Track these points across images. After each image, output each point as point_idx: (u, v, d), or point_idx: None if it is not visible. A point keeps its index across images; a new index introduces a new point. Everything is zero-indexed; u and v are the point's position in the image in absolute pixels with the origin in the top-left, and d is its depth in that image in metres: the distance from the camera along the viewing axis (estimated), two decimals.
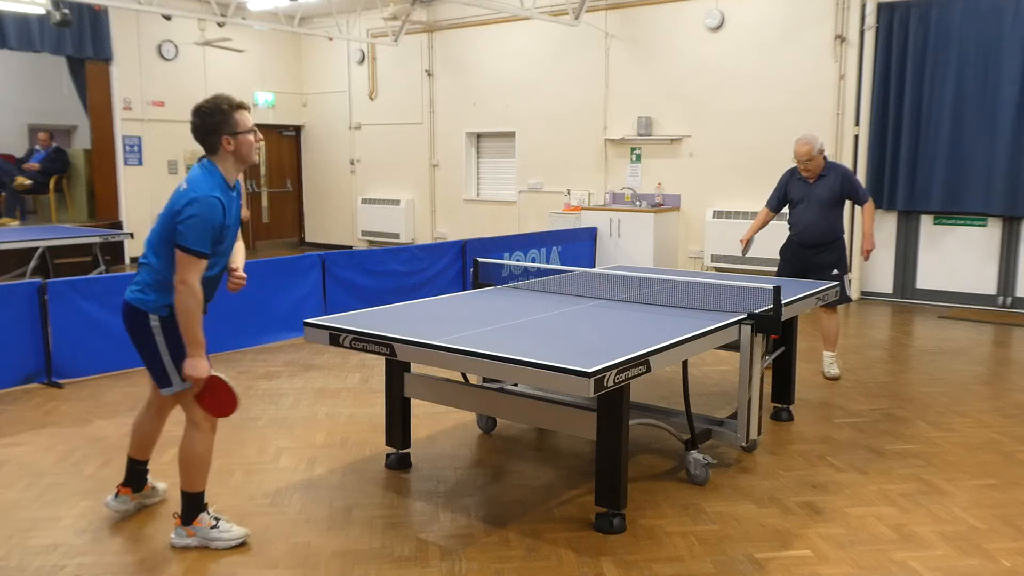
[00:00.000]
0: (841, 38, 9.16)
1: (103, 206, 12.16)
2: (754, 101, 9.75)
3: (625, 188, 10.82)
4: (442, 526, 3.58)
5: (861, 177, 9.07)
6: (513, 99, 11.86)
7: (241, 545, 3.37)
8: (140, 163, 12.37)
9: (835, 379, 5.97)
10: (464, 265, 8.54)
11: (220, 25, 10.67)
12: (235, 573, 3.18)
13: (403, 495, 3.92)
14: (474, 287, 4.99)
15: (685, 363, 3.98)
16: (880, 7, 8.92)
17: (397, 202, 13.25)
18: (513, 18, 11.29)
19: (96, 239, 9.34)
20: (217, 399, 3.29)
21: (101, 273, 9.20)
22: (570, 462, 4.34)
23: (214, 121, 3.27)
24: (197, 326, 3.21)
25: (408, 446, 4.28)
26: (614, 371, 3.08)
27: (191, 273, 3.15)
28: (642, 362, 3.26)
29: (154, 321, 3.28)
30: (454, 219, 12.83)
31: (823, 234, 5.82)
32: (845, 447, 4.57)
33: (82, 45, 11.50)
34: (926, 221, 9.01)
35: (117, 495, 3.67)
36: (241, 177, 3.55)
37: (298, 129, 14.63)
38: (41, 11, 9.70)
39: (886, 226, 9.20)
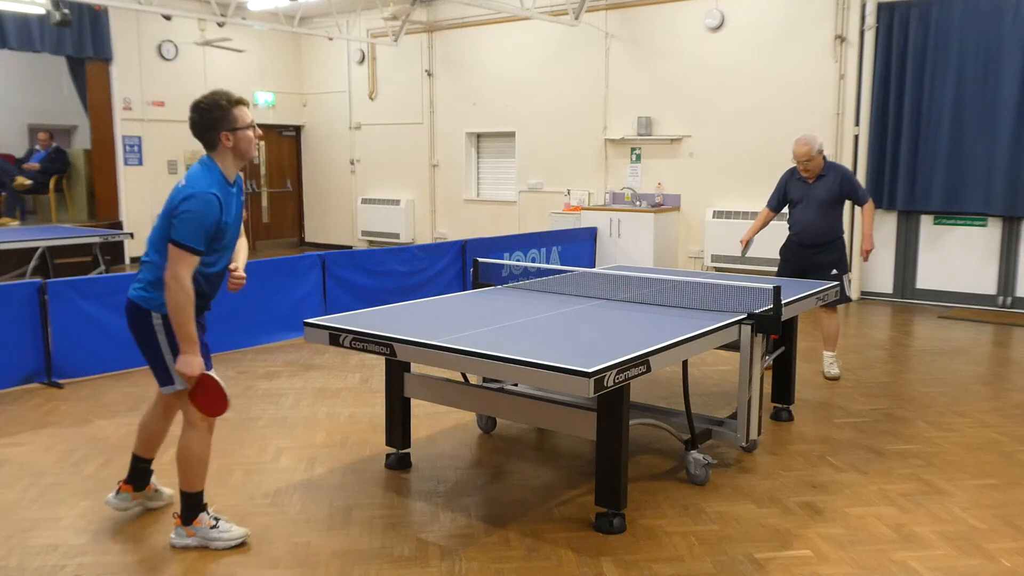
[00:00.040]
0: (841, 38, 9.16)
1: (103, 206, 12.16)
2: (754, 101, 9.75)
3: (625, 188, 10.83)
4: (442, 526, 3.58)
5: (861, 177, 9.07)
6: (513, 99, 11.86)
7: (241, 545, 3.37)
8: (140, 163, 12.37)
9: (835, 379, 5.97)
10: (464, 265, 8.54)
11: (220, 25, 10.67)
12: (235, 573, 3.18)
13: (403, 495, 3.92)
14: (474, 287, 4.99)
15: (685, 363, 3.98)
16: (880, 7, 8.92)
17: (397, 202, 13.25)
18: (513, 18, 11.30)
19: (96, 239, 9.34)
20: (208, 398, 3.27)
21: (101, 273, 9.20)
22: (570, 462, 4.34)
23: (212, 117, 3.25)
24: (190, 322, 3.17)
25: (408, 446, 4.28)
26: (614, 371, 3.08)
27: (182, 268, 3.12)
28: (642, 362, 3.26)
29: (156, 319, 3.26)
30: (454, 219, 12.84)
31: (822, 234, 5.82)
32: (845, 447, 4.57)
33: (82, 45, 11.50)
34: (926, 221, 9.01)
35: (118, 492, 3.65)
36: (242, 174, 3.54)
37: (298, 129, 14.64)
38: (41, 11, 9.70)
39: (886, 226, 9.20)
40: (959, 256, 8.82)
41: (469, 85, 12.33)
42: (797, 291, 4.79)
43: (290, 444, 4.62)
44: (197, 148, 3.33)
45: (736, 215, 9.85)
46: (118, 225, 11.80)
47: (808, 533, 3.52)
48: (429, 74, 12.75)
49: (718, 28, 9.94)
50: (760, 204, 6.29)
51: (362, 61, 13.50)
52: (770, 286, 4.24)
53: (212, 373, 3.27)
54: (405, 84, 13.03)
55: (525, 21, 11.22)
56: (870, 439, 4.70)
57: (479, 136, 12.61)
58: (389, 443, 4.27)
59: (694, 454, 4.04)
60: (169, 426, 3.65)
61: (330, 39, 12.67)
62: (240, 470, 4.22)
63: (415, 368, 4.20)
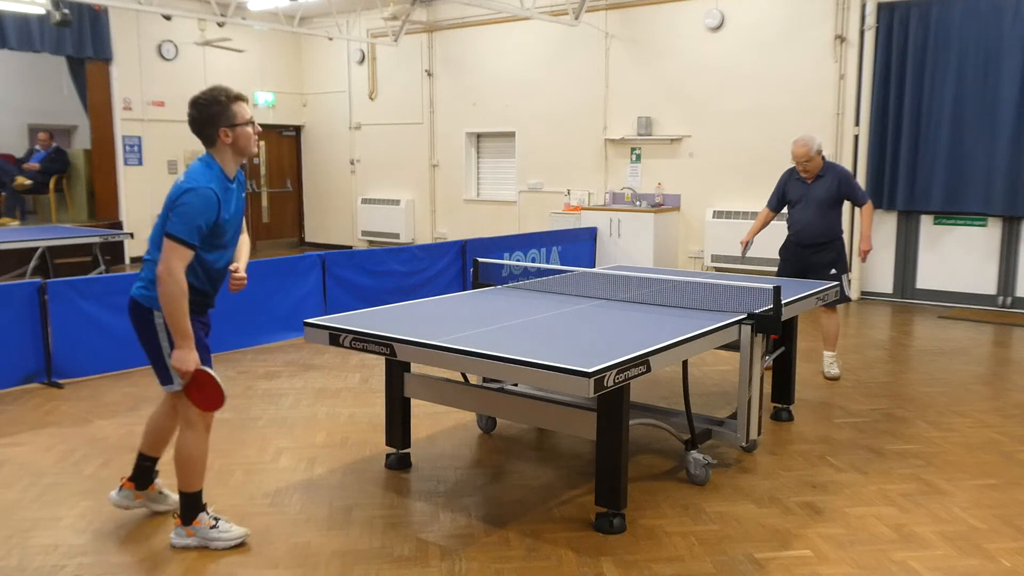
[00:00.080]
0: (841, 38, 9.16)
1: (103, 206, 12.16)
2: (754, 101, 9.75)
3: (625, 188, 10.83)
4: (442, 526, 3.58)
5: (861, 177, 9.07)
6: (513, 99, 11.86)
7: (241, 545, 3.37)
8: (140, 163, 12.37)
9: (835, 379, 5.97)
10: (464, 265, 8.54)
11: (220, 25, 10.67)
12: (235, 573, 3.18)
13: (403, 495, 3.92)
14: (474, 287, 4.99)
15: (685, 363, 3.98)
16: (880, 7, 8.92)
17: (397, 202, 13.26)
18: (513, 18, 11.30)
19: (96, 239, 9.34)
20: (204, 394, 3.24)
21: (101, 273, 9.20)
22: (570, 462, 4.34)
23: (211, 112, 3.23)
24: (184, 317, 3.13)
25: (408, 446, 4.28)
26: (614, 371, 3.08)
27: (175, 261, 3.09)
28: (642, 362, 3.26)
29: (158, 318, 3.22)
30: (454, 219, 12.84)
31: (820, 234, 5.83)
32: (845, 447, 4.57)
33: (82, 45, 11.51)
34: (926, 221, 9.01)
35: (121, 488, 3.63)
36: (244, 169, 3.52)
37: (298, 129, 14.64)
38: (41, 11, 9.71)
39: (886, 226, 9.21)
40: (959, 256, 8.83)
41: (469, 85, 12.33)
42: (797, 291, 4.79)
43: (290, 444, 4.62)
44: (197, 148, 3.32)
45: (736, 215, 9.85)
46: (118, 225, 11.80)
47: (808, 533, 3.52)
48: (429, 74, 12.75)
49: (718, 28, 9.94)
50: (760, 204, 6.30)
51: (362, 61, 13.50)
52: (770, 286, 4.24)
53: (207, 368, 3.25)
54: (405, 84, 13.03)
55: (525, 21, 11.22)
56: (870, 439, 4.70)
57: (479, 136, 12.61)
58: (389, 443, 4.27)
59: (694, 454, 4.04)
60: (176, 425, 3.62)
61: (330, 39, 12.68)
62: (240, 470, 4.22)
63: (415, 368, 4.20)
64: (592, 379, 2.97)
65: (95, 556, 3.31)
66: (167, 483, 3.77)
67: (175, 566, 3.22)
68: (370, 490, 3.97)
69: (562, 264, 9.59)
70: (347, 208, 14.10)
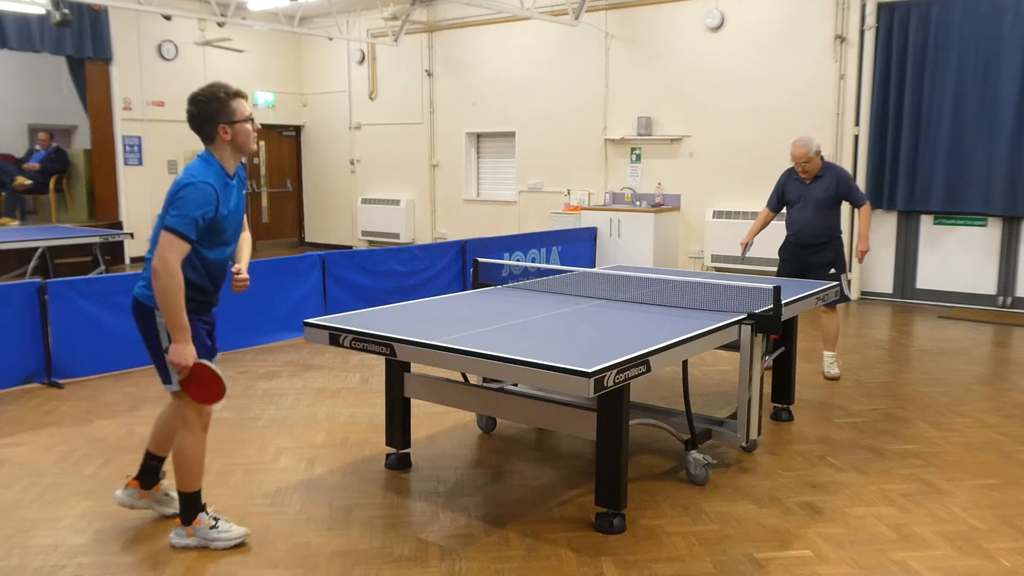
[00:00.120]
0: (841, 38, 9.16)
1: (103, 206, 12.16)
2: (754, 101, 9.75)
3: (625, 188, 10.83)
4: (442, 526, 3.58)
5: (861, 177, 9.07)
6: (513, 99, 11.86)
7: (240, 545, 3.37)
8: (140, 163, 12.37)
9: (835, 379, 5.97)
10: (464, 265, 8.54)
11: (220, 25, 10.67)
12: (235, 573, 3.18)
13: (403, 495, 3.92)
14: (474, 287, 4.99)
15: (685, 363, 3.98)
16: (880, 7, 8.92)
17: (397, 202, 13.25)
18: (513, 18, 11.30)
19: (96, 239, 9.34)
20: (204, 387, 3.21)
21: (101, 273, 9.20)
22: (570, 462, 4.34)
23: (210, 109, 3.21)
24: (180, 311, 3.10)
25: (408, 446, 4.28)
26: (614, 371, 3.08)
27: (171, 253, 3.05)
28: (642, 362, 3.26)
29: (160, 317, 3.20)
30: (454, 219, 12.84)
31: (818, 234, 5.83)
32: (845, 447, 4.57)
33: (82, 45, 11.51)
34: (926, 221, 9.01)
35: (126, 487, 3.61)
36: (244, 165, 3.51)
37: (298, 129, 14.64)
38: (41, 11, 9.71)
39: (886, 226, 9.21)
40: (959, 256, 8.83)
41: (469, 85, 12.33)
42: (797, 291, 4.79)
43: (290, 444, 4.62)
44: (197, 148, 3.31)
45: (736, 215, 9.85)
46: (118, 225, 11.80)
47: (808, 533, 3.52)
48: (429, 74, 12.75)
49: (718, 28, 9.94)
50: (760, 204, 6.30)
51: (362, 61, 13.50)
52: (770, 286, 4.24)
53: (205, 361, 3.21)
54: (405, 84, 13.03)
55: (525, 21, 11.22)
56: (870, 439, 4.70)
57: (479, 136, 12.61)
58: (389, 443, 4.27)
59: (694, 454, 4.04)
60: (177, 424, 3.61)
61: (330, 39, 12.68)
62: (240, 470, 4.22)
63: (415, 368, 4.20)
64: (592, 379, 2.96)
65: (95, 556, 3.30)
66: (173, 485, 3.78)
67: (175, 566, 3.22)
68: (370, 490, 3.97)
69: (562, 264, 9.59)
70: (347, 208, 14.11)
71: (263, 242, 14.22)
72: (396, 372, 4.19)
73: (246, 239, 3.55)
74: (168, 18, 10.74)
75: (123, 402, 5.39)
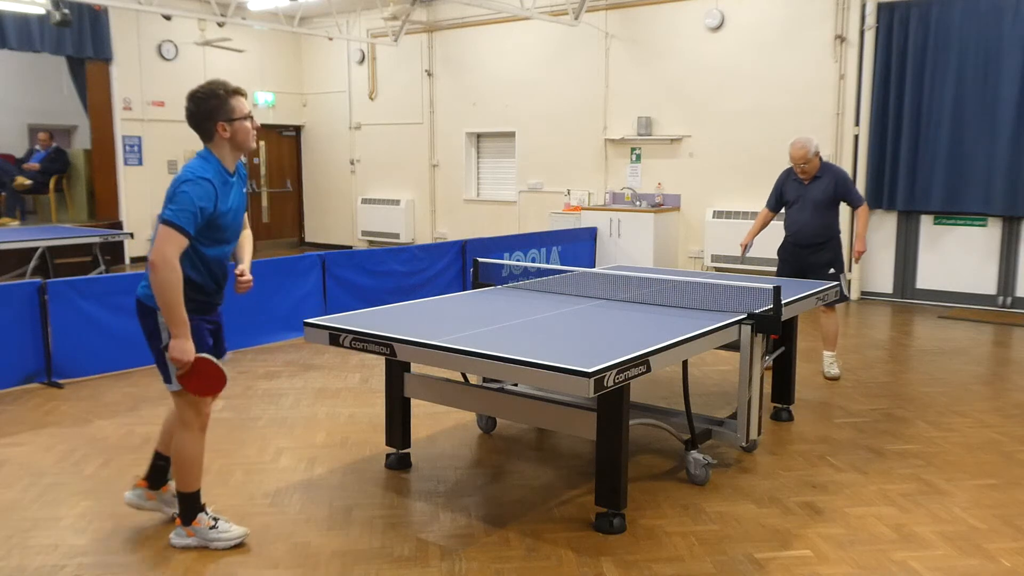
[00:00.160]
0: (841, 38, 9.16)
1: (103, 206, 12.16)
2: (754, 101, 9.75)
3: (625, 188, 10.83)
4: (442, 526, 3.58)
5: (861, 177, 9.08)
6: (513, 99, 11.86)
7: (240, 545, 3.36)
8: (140, 163, 12.37)
9: (835, 379, 5.97)
10: (464, 265, 8.54)
11: (220, 25, 10.67)
12: (235, 573, 3.18)
13: (403, 495, 3.92)
14: (474, 287, 4.99)
15: (685, 363, 3.98)
16: (880, 7, 8.92)
17: (397, 202, 13.25)
18: (513, 18, 11.30)
19: (96, 239, 9.34)
20: (204, 380, 3.18)
21: (101, 273, 9.20)
22: (570, 462, 4.34)
23: (209, 107, 3.19)
24: (179, 306, 3.05)
25: (408, 446, 4.28)
26: (614, 371, 3.08)
27: (169, 247, 3.01)
28: (642, 362, 3.26)
29: (162, 317, 3.16)
30: (454, 219, 12.84)
31: (817, 234, 5.84)
32: (845, 447, 4.57)
33: (82, 45, 11.51)
34: (926, 221, 9.01)
35: (134, 487, 3.59)
36: (244, 162, 3.49)
37: (298, 129, 14.64)
38: (41, 11, 9.71)
39: (886, 226, 9.21)
40: (959, 256, 8.82)
41: (469, 85, 12.33)
42: (797, 291, 4.79)
43: (290, 444, 4.62)
44: (197, 148, 3.30)
45: (736, 215, 9.85)
46: (118, 225, 11.80)
47: (808, 533, 3.52)
48: (429, 74, 12.75)
49: (718, 28, 9.94)
50: (760, 204, 6.30)
51: (362, 61, 13.50)
52: (770, 286, 4.24)
53: (203, 355, 3.18)
54: (405, 84, 13.03)
55: (525, 21, 11.22)
56: (870, 439, 4.70)
57: (479, 136, 12.61)
58: (389, 443, 4.27)
59: (694, 454, 4.04)
60: None
61: (330, 39, 12.68)
62: (240, 470, 4.22)
63: (415, 368, 4.20)
64: (592, 379, 2.96)
65: (95, 556, 3.30)
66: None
67: (175, 566, 3.22)
68: (370, 490, 3.97)
69: (562, 264, 9.59)
70: (347, 208, 14.10)
71: (263, 242, 14.22)
72: (396, 372, 4.19)
73: (247, 237, 3.53)
74: (168, 18, 10.74)
75: (123, 402, 5.39)
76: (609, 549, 3.36)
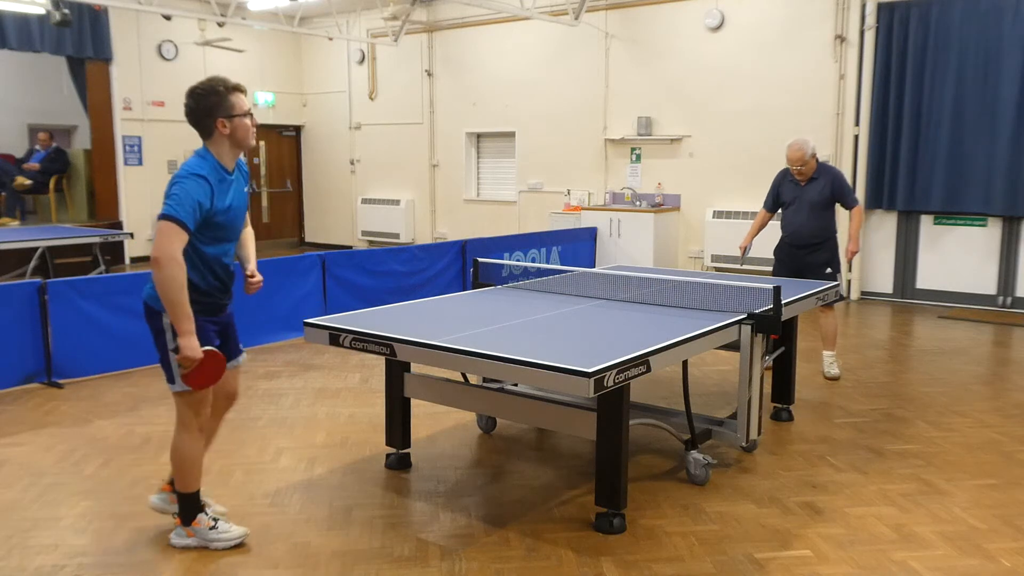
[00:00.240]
0: (841, 38, 9.16)
1: (103, 206, 12.16)
2: (754, 101, 9.75)
3: (625, 188, 10.82)
4: (442, 526, 3.58)
5: (861, 177, 9.08)
6: (513, 99, 11.86)
7: (240, 545, 3.36)
8: (140, 163, 12.37)
9: (835, 379, 5.97)
10: (464, 265, 8.54)
11: (220, 25, 10.67)
12: (235, 573, 3.18)
13: (403, 495, 3.92)
14: (474, 287, 4.99)
15: (685, 363, 3.98)
16: (880, 7, 8.92)
17: (397, 202, 13.25)
18: (513, 18, 11.30)
19: (96, 239, 9.34)
20: (206, 372, 3.14)
21: (101, 273, 9.20)
22: (570, 462, 4.34)
23: (209, 103, 3.18)
24: (185, 303, 3.00)
25: (408, 446, 4.28)
26: (614, 371, 3.08)
27: (169, 241, 2.96)
28: (642, 362, 3.26)
29: (166, 319, 3.13)
30: (454, 219, 12.84)
31: (813, 235, 5.85)
32: (845, 447, 4.57)
33: (82, 45, 11.51)
34: (926, 221, 9.01)
35: (160, 491, 3.56)
36: (244, 159, 3.46)
37: (298, 129, 14.64)
38: (41, 11, 9.71)
39: (886, 226, 9.21)
40: (959, 256, 8.82)
41: (469, 85, 12.33)
42: (797, 291, 4.79)
43: (290, 444, 4.62)
44: (197, 147, 3.29)
45: (736, 215, 9.84)
46: (118, 225, 11.80)
47: (808, 533, 3.52)
48: (429, 74, 12.75)
49: (718, 28, 9.94)
50: (760, 204, 6.30)
51: (362, 61, 13.50)
52: (770, 286, 4.24)
53: (208, 347, 3.14)
54: (405, 84, 13.03)
55: (525, 21, 11.22)
56: (870, 439, 4.70)
57: (479, 136, 12.61)
58: (389, 443, 4.27)
59: (694, 454, 4.04)
60: (217, 426, 3.56)
61: (330, 39, 12.68)
62: (240, 470, 4.22)
63: (415, 368, 4.20)
64: (592, 379, 2.96)
65: (95, 556, 3.30)
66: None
67: (175, 566, 3.22)
68: (370, 490, 3.97)
69: (562, 264, 9.59)
70: (347, 208, 14.10)
71: (263, 242, 14.21)
72: (396, 372, 4.19)
73: (249, 235, 3.51)
74: (168, 18, 10.74)
75: (123, 402, 5.39)
76: (609, 549, 3.36)
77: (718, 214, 10.01)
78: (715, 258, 9.99)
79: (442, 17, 12.41)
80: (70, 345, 5.83)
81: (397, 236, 13.12)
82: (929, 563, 3.25)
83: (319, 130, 14.38)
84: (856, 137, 9.18)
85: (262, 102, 13.72)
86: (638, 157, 10.78)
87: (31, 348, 5.68)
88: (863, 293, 9.38)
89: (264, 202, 14.30)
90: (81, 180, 12.35)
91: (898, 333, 7.70)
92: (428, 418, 4.97)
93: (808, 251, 5.87)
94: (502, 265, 8.85)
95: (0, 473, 4.17)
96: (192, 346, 3.06)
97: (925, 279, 9.07)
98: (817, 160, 5.87)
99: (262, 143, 14.03)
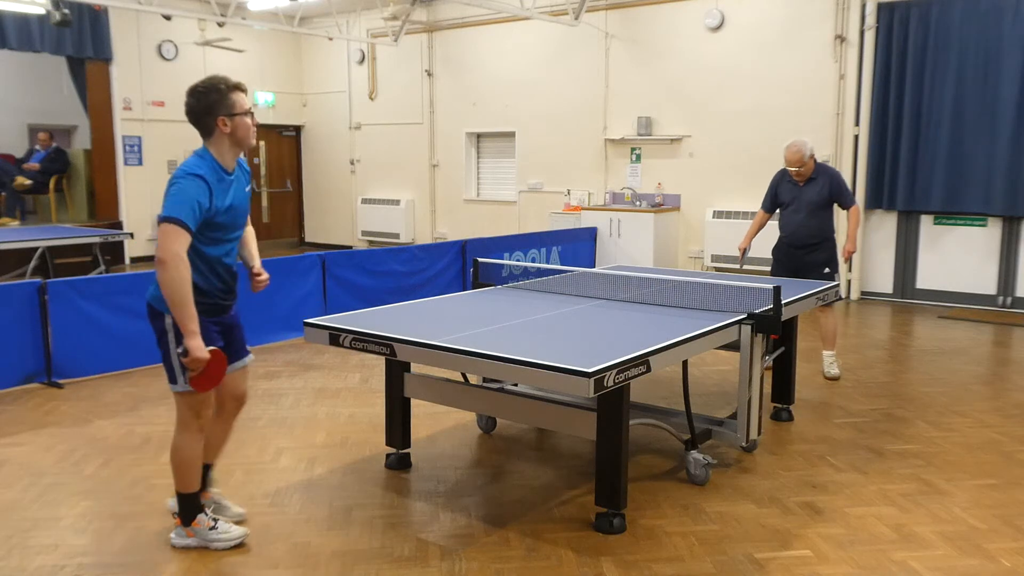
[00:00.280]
0: (841, 38, 9.16)
1: (103, 206, 12.16)
2: (754, 101, 9.74)
3: (625, 188, 10.82)
4: (442, 526, 3.58)
5: (861, 178, 9.08)
6: (513, 99, 11.86)
7: (240, 545, 3.36)
8: (140, 163, 12.37)
9: (835, 379, 5.97)
10: (464, 265, 8.54)
11: (220, 25, 10.67)
12: (235, 573, 3.18)
13: (403, 495, 3.92)
14: (474, 287, 4.99)
15: (685, 363, 3.98)
16: (880, 7, 8.92)
17: (397, 202, 13.25)
18: (513, 18, 11.30)
19: (96, 239, 9.34)
20: (209, 374, 3.13)
21: (101, 273, 9.20)
22: (570, 462, 4.34)
23: (209, 101, 3.16)
24: (190, 303, 2.98)
25: (408, 446, 4.28)
26: (614, 371, 3.08)
27: (173, 241, 2.94)
28: (642, 362, 3.26)
29: (169, 319, 3.13)
30: (454, 219, 12.83)
31: (812, 235, 5.86)
32: (845, 447, 4.57)
33: (82, 45, 11.51)
34: (926, 221, 9.01)
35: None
36: (245, 159, 3.45)
37: (298, 129, 14.63)
38: (41, 11, 9.71)
39: (886, 226, 9.21)
40: (959, 256, 8.82)
41: (469, 85, 12.33)
42: (797, 291, 4.79)
43: (290, 444, 4.62)
44: (197, 147, 3.28)
45: (736, 215, 9.84)
46: (118, 225, 11.81)
47: (808, 533, 3.52)
48: (429, 74, 12.75)
49: (718, 28, 9.94)
50: (760, 204, 6.30)
51: (362, 61, 13.50)
52: (770, 286, 4.24)
53: (212, 347, 3.13)
54: (405, 84, 13.03)
55: (525, 21, 11.22)
56: (870, 439, 4.70)
57: (479, 136, 12.61)
58: (389, 443, 4.27)
59: (694, 454, 4.04)
60: (228, 428, 3.56)
61: (330, 39, 12.68)
62: (240, 470, 4.22)
63: (415, 368, 4.20)
64: (592, 379, 2.96)
65: (95, 556, 3.30)
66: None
67: (175, 566, 3.22)
68: (370, 490, 3.97)
69: (562, 264, 9.60)
70: (347, 208, 14.10)
71: (263, 242, 14.11)
72: (396, 372, 4.19)
73: (250, 234, 3.50)
74: (168, 18, 10.74)
75: (123, 402, 5.39)
76: (609, 549, 3.36)
77: (718, 214, 10.01)
78: (715, 258, 9.99)
79: (442, 17, 12.41)
80: (70, 345, 5.83)
81: (397, 236, 13.12)
82: (929, 563, 3.25)
83: (319, 130, 14.38)
84: (856, 137, 9.18)
85: (262, 102, 13.72)
86: (638, 157, 10.78)
87: (31, 348, 5.68)
88: (863, 293, 9.38)
89: (264, 202, 14.30)
90: (81, 180, 12.36)
91: (898, 333, 7.70)
92: (428, 418, 4.97)
93: (806, 251, 5.88)
94: (502, 265, 8.85)
95: (0, 473, 4.17)
96: (198, 346, 3.04)
97: (925, 279, 9.07)
98: (815, 161, 5.87)
99: (262, 143, 14.03)
